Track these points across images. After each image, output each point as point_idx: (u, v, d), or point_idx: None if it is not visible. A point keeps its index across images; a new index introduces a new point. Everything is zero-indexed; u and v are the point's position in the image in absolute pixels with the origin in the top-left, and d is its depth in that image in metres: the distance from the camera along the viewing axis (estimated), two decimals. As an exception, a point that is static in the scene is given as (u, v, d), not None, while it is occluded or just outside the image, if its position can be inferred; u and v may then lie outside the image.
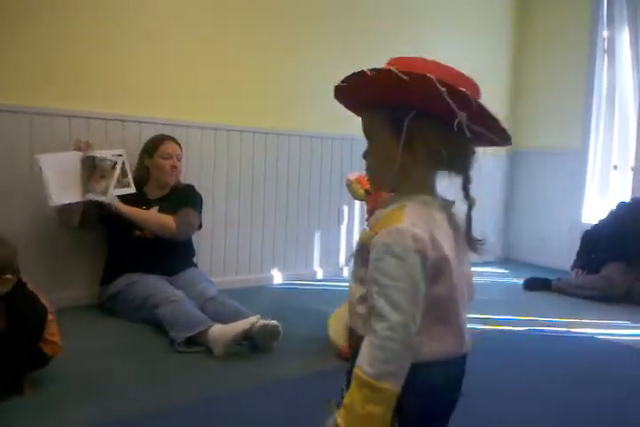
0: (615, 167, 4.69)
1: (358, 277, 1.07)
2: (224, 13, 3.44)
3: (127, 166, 2.93)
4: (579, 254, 4.18)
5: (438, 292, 1.03)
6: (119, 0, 3.07)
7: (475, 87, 1.04)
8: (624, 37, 4.54)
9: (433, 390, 1.08)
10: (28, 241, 2.87)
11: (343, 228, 4.09)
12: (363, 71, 1.00)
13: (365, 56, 3.95)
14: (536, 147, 5.04)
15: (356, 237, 4.08)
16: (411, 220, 0.99)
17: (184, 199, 3.04)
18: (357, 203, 3.94)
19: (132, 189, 2.92)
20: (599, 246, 4.00)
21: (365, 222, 2.64)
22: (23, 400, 1.89)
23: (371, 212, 2.54)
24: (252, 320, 2.39)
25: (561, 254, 4.56)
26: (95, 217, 2.93)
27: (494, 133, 1.03)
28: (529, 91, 5.12)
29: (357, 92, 1.07)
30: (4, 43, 2.77)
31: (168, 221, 2.89)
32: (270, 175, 3.68)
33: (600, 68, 4.67)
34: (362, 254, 1.04)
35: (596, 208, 4.67)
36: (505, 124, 1.01)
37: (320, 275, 4.00)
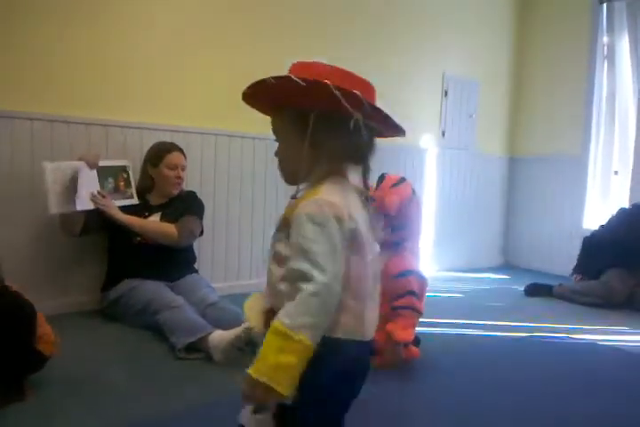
0: (616, 173, 4.70)
1: (277, 257, 1.14)
2: (227, 17, 3.46)
3: (131, 177, 2.96)
4: (579, 260, 4.18)
5: (355, 265, 1.10)
6: (120, 8, 3.09)
7: (369, 88, 1.15)
8: (624, 44, 4.56)
9: (354, 363, 1.14)
10: (29, 247, 2.89)
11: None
12: (265, 79, 1.11)
13: (369, 56, 4.01)
14: (536, 153, 5.06)
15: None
16: (327, 193, 1.11)
17: (186, 207, 3.05)
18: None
19: (134, 200, 2.96)
20: (600, 252, 4.01)
21: None
22: (23, 406, 1.89)
23: None
24: (247, 325, 2.38)
25: (562, 260, 4.57)
26: (96, 226, 2.94)
27: (389, 128, 1.18)
28: (528, 96, 5.14)
29: (264, 97, 1.18)
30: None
31: (169, 229, 2.90)
32: (270, 180, 3.69)
33: (600, 73, 4.69)
34: (282, 230, 1.13)
35: (596, 213, 4.69)
36: (396, 119, 1.14)
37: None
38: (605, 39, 4.68)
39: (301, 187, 1.18)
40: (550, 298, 3.98)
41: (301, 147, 1.13)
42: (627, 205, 4.25)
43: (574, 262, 4.20)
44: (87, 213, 2.85)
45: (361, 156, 1.16)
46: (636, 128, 4.47)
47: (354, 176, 1.20)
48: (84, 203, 2.79)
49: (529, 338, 3.01)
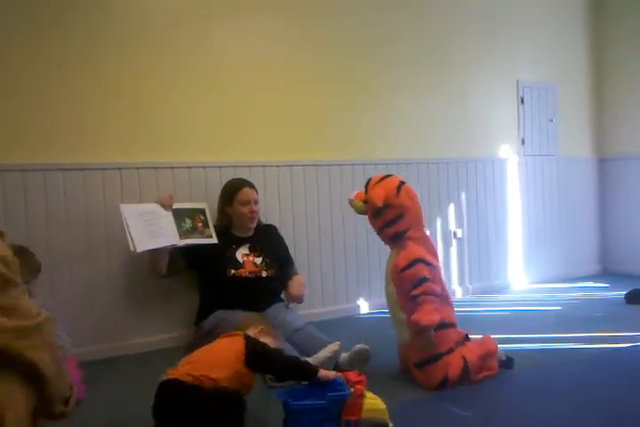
0: None
1: None
2: (286, 57, 3.58)
3: (209, 219, 3.12)
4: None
5: None
6: (178, 50, 3.27)
7: None
8: None
9: None
10: (124, 289, 3.09)
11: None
12: None
13: (437, 69, 4.03)
14: (628, 151, 4.82)
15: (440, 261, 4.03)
16: None
17: (275, 244, 3.25)
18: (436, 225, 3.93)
19: (213, 240, 3.09)
20: None
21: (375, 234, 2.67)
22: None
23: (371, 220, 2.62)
24: (332, 348, 2.39)
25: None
26: (182, 266, 3.12)
27: None
28: (612, 93, 4.93)
29: None
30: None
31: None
32: (347, 205, 3.71)
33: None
34: None
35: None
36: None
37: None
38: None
39: None
40: (655, 304, 3.74)
41: None
42: None
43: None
44: (171, 254, 3.03)
45: None
46: None
47: None
48: (163, 240, 2.94)
49: (631, 348, 2.85)
